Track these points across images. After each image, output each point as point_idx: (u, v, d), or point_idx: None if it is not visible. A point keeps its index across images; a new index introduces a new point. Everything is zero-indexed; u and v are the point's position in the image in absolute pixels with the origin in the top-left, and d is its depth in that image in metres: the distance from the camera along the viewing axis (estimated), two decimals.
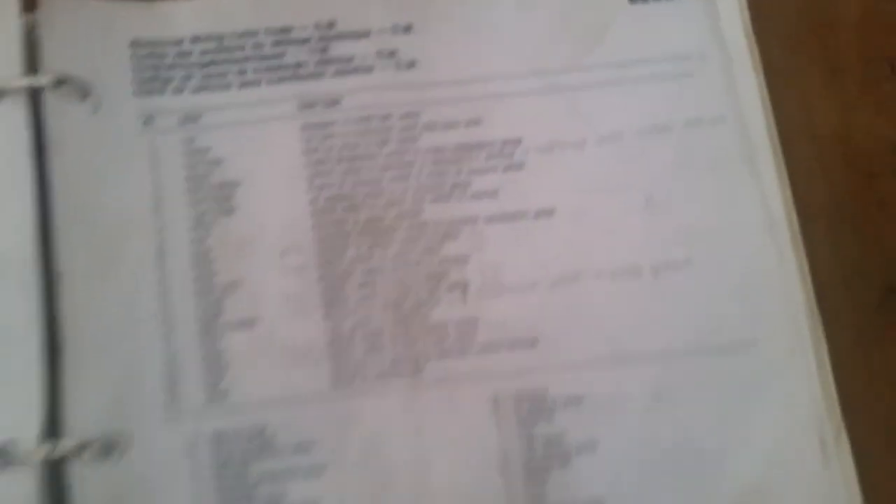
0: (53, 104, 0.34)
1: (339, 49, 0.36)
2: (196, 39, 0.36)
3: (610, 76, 0.36)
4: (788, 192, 0.35)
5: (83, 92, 0.34)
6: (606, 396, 0.33)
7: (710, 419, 0.33)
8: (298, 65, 0.36)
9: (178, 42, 0.36)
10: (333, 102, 0.35)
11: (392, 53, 0.36)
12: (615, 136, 0.36)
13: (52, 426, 0.31)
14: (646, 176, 0.35)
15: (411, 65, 0.36)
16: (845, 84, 0.38)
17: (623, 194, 0.35)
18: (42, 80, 0.33)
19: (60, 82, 0.34)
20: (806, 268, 0.35)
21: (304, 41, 0.36)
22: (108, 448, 0.31)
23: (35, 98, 0.34)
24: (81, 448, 0.31)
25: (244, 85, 0.36)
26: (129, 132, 0.34)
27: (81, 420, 0.31)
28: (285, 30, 0.36)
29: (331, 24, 0.36)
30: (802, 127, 0.37)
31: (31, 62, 0.34)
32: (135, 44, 0.35)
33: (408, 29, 0.36)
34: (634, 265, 0.34)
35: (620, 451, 0.33)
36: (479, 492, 0.32)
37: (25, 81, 0.33)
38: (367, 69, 0.36)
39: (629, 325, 0.34)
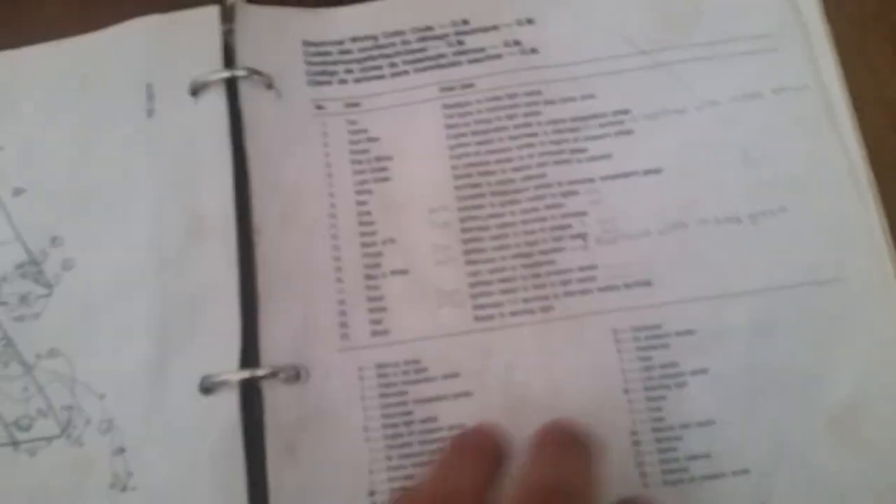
0: (247, 93, 0.33)
1: (473, 41, 0.34)
2: (355, 39, 0.34)
3: (705, 53, 0.33)
4: (863, 149, 0.31)
5: (268, 82, 0.33)
6: (714, 328, 0.30)
7: (807, 345, 0.29)
8: (439, 56, 0.34)
9: (341, 42, 0.34)
10: (469, 85, 0.33)
11: (517, 42, 0.33)
12: (712, 102, 0.32)
13: (249, 358, 0.30)
14: (741, 135, 0.32)
15: (534, 51, 0.33)
16: None
17: (721, 152, 0.32)
18: (238, 72, 0.33)
19: (252, 74, 0.33)
20: (883, 214, 0.31)
21: (443, 36, 0.34)
22: (294, 374, 0.29)
23: (231, 88, 0.33)
24: (273, 374, 0.29)
25: (395, 75, 0.34)
26: (305, 116, 0.33)
27: (272, 352, 0.30)
28: (427, 28, 0.34)
29: (465, 21, 0.34)
30: (873, 94, 0.33)
31: (228, 60, 0.33)
32: (306, 43, 0.34)
33: (530, 21, 0.34)
34: (734, 213, 0.31)
35: (728, 375, 0.29)
36: (605, 411, 0.29)
37: (226, 73, 0.33)
38: (497, 56, 0.34)
39: (732, 266, 0.30)
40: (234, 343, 0.29)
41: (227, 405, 0.29)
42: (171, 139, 0.32)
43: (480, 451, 0.24)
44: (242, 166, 0.31)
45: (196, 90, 0.32)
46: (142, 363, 0.30)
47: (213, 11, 0.33)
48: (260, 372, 0.29)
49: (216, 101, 0.32)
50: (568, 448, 0.24)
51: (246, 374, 0.29)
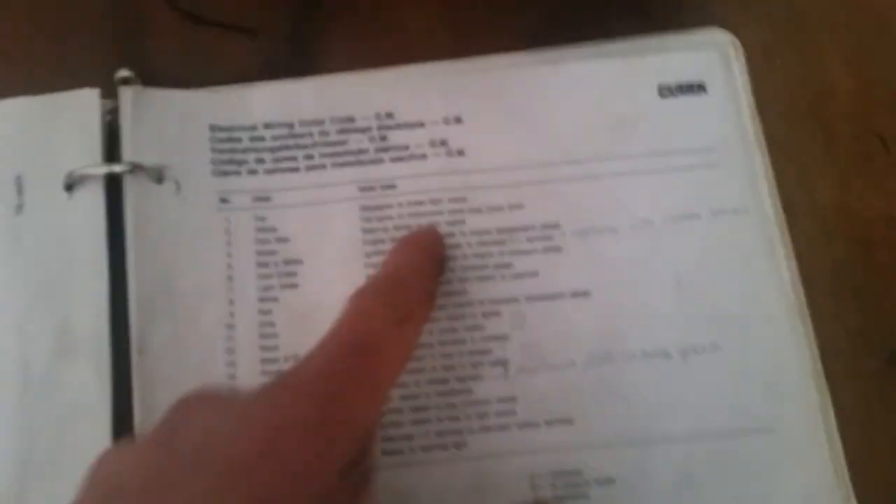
0: (132, 188, 0.29)
1: (397, 138, 0.31)
2: (268, 125, 0.31)
3: (642, 165, 0.31)
4: (794, 262, 0.30)
5: (158, 176, 0.29)
6: (636, 478, 0.27)
7: (734, 502, 0.27)
8: (360, 151, 0.31)
9: (253, 128, 0.31)
10: (390, 186, 0.30)
11: (443, 142, 0.31)
12: (647, 222, 0.30)
13: None
14: (674, 260, 0.30)
15: (460, 153, 0.31)
16: (841, 157, 0.33)
17: (654, 277, 0.30)
18: (118, 167, 0.29)
19: (135, 168, 0.29)
20: (815, 348, 0.29)
21: (366, 130, 0.31)
22: None
23: (113, 183, 0.29)
24: None
25: (310, 168, 0.31)
26: (206, 210, 0.30)
27: None
28: (349, 119, 0.31)
29: (389, 115, 0.31)
30: (804, 199, 0.32)
31: (114, 149, 0.30)
32: (213, 128, 0.31)
33: (458, 120, 0.31)
34: (664, 347, 0.28)
35: None
36: None
37: (103, 168, 0.29)
38: (421, 156, 0.31)
39: (658, 407, 0.28)
40: None
41: None
42: (42, 239, 0.28)
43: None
44: (122, 273, 0.28)
45: (71, 185, 0.29)
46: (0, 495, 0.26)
47: (93, 94, 0.30)
48: None
49: (93, 198, 0.28)
50: (422, 249, 0.28)
51: None
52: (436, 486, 0.27)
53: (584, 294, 0.29)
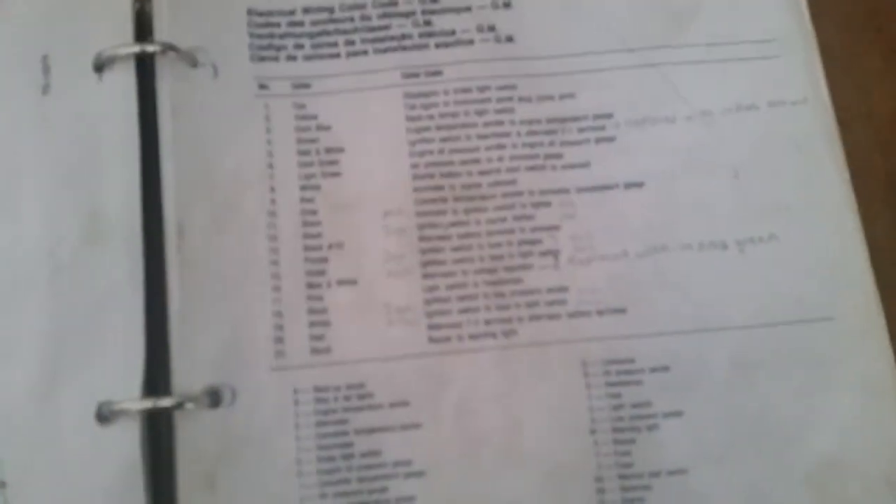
0: (165, 71, 0.28)
1: (442, 23, 0.29)
2: (307, 10, 0.30)
3: (700, 55, 0.29)
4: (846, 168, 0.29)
5: (192, 59, 0.28)
6: (692, 366, 0.26)
7: (789, 391, 0.26)
8: (403, 36, 0.29)
9: (291, 12, 0.30)
10: (435, 73, 0.29)
11: (491, 28, 0.29)
12: (704, 113, 0.29)
13: (157, 380, 0.25)
14: (733, 152, 0.29)
15: (509, 39, 0.29)
16: None
17: (710, 169, 0.28)
18: (150, 47, 0.27)
19: (167, 49, 0.28)
20: (865, 243, 0.28)
21: (409, 14, 0.29)
22: (215, 399, 0.25)
23: (145, 65, 0.28)
24: (180, 404, 0.25)
25: (351, 54, 0.29)
26: (246, 96, 0.28)
27: (188, 372, 0.25)
28: (391, 3, 0.30)
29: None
30: (859, 108, 0.31)
31: (142, 31, 0.28)
32: (251, 12, 0.29)
33: (507, 5, 0.30)
34: (720, 238, 0.27)
35: (704, 420, 0.26)
36: (568, 452, 0.26)
37: (135, 48, 0.27)
38: (468, 42, 0.29)
39: (714, 298, 0.27)
40: (137, 364, 0.25)
41: (127, 437, 0.24)
42: (69, 121, 0.27)
43: None
44: (155, 156, 0.27)
45: (100, 66, 0.27)
46: (28, 385, 0.25)
47: None
48: (166, 402, 0.25)
49: (123, 80, 0.27)
50: None
51: (149, 403, 0.25)
52: (485, 372, 0.26)
53: (638, 185, 0.28)
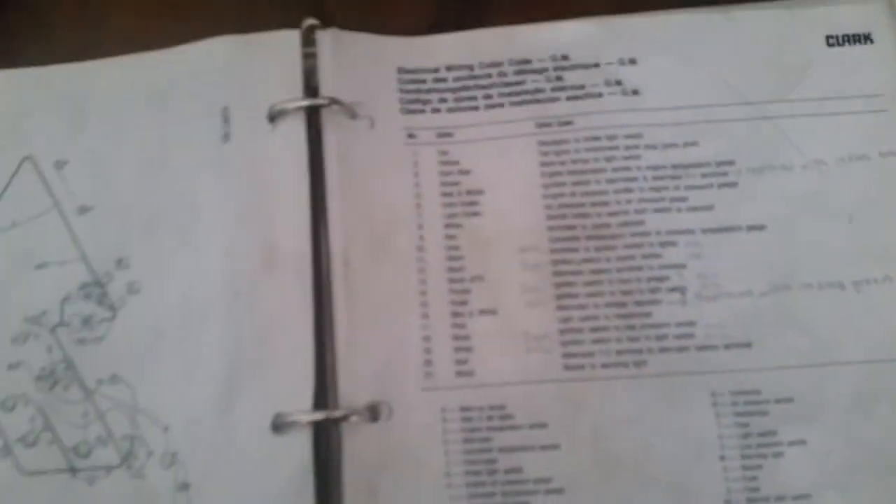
0: (330, 121, 0.31)
1: (572, 78, 0.32)
2: (450, 68, 0.33)
3: (812, 109, 0.32)
4: None
5: (352, 112, 0.31)
6: (814, 398, 0.28)
7: None
8: (537, 90, 0.32)
9: (436, 70, 0.33)
10: (566, 123, 0.32)
11: (619, 82, 0.32)
12: (818, 162, 0.31)
13: (325, 395, 0.28)
14: (847, 198, 0.31)
15: (635, 92, 0.32)
16: None
17: (826, 213, 0.30)
18: (318, 101, 0.31)
19: (332, 103, 0.31)
20: None
21: (542, 70, 0.32)
22: (374, 413, 0.28)
23: (314, 116, 0.31)
24: (346, 416, 0.28)
25: (489, 107, 0.32)
26: (396, 144, 0.32)
27: (352, 389, 0.28)
28: (525, 61, 0.33)
29: (565, 57, 0.33)
30: None
31: (310, 87, 0.32)
32: (401, 70, 0.33)
33: (633, 61, 0.32)
34: (838, 279, 0.29)
35: (827, 448, 0.28)
36: (698, 476, 0.27)
37: (305, 102, 0.31)
38: (597, 95, 0.32)
39: (834, 334, 0.29)
40: (308, 380, 0.28)
41: (299, 446, 0.27)
42: (247, 165, 0.31)
43: None
44: (321, 197, 0.30)
45: (274, 117, 0.31)
46: (210, 396, 0.28)
47: (293, 35, 0.32)
48: (335, 413, 0.27)
49: (294, 129, 0.30)
50: None
51: (319, 415, 0.27)
52: (617, 399, 0.28)
53: (760, 228, 0.30)
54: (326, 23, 0.33)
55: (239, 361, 0.28)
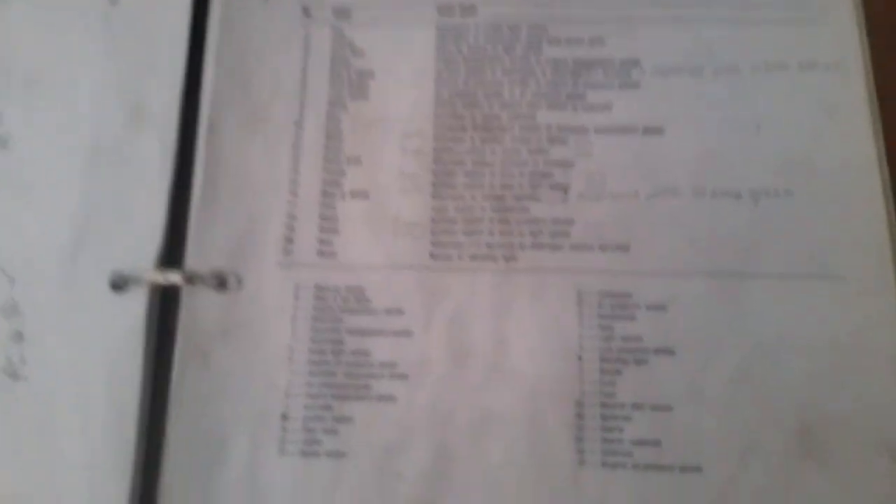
0: None
1: None
2: None
3: (732, 14, 0.29)
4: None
5: None
6: (690, 308, 0.25)
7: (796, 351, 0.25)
8: None
9: None
10: (470, 10, 0.30)
11: None
12: (731, 68, 0.28)
13: (173, 258, 0.27)
14: (757, 107, 0.28)
15: None
16: None
17: (732, 122, 0.28)
18: None
19: None
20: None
21: None
22: (221, 281, 0.26)
23: None
24: (190, 279, 0.26)
25: None
26: (290, 19, 0.30)
27: (201, 254, 0.27)
28: None
29: None
30: None
31: None
32: None
33: None
34: (735, 188, 0.27)
35: (697, 360, 0.25)
36: (552, 375, 0.26)
37: None
38: None
39: (720, 244, 0.26)
40: (155, 240, 0.27)
41: (136, 305, 0.26)
42: (130, 28, 0.30)
43: None
44: (201, 62, 0.29)
45: None
46: (56, 248, 0.27)
47: None
48: (175, 277, 0.26)
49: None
50: None
51: (158, 276, 0.26)
52: (481, 292, 0.26)
53: (658, 131, 0.28)
54: None
55: (89, 216, 0.27)
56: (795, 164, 0.27)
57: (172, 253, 0.27)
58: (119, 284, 0.26)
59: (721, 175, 0.27)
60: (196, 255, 0.27)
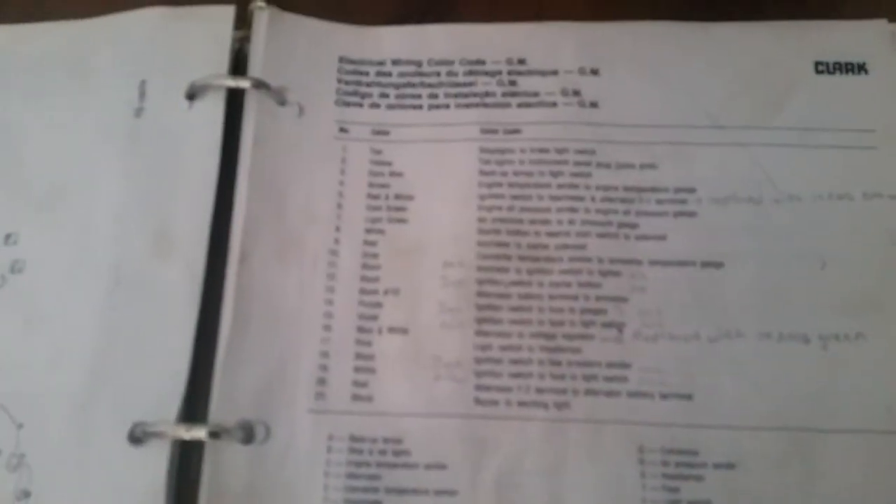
0: (253, 106, 0.28)
1: (527, 84, 0.29)
2: (397, 62, 0.30)
3: (792, 139, 0.28)
4: None
5: (281, 97, 0.28)
6: (761, 467, 0.23)
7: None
8: (487, 94, 0.29)
9: (381, 63, 0.30)
10: (514, 131, 0.28)
11: (576, 92, 0.29)
12: (793, 197, 0.27)
13: (196, 407, 0.25)
14: (822, 241, 0.26)
15: (594, 105, 0.29)
16: None
17: (796, 256, 0.26)
18: (243, 82, 0.28)
19: (259, 86, 0.28)
20: None
21: (495, 73, 0.29)
22: (248, 434, 0.24)
23: (236, 98, 0.28)
24: (215, 434, 0.24)
25: (434, 107, 0.29)
26: (326, 137, 0.29)
27: (227, 403, 0.25)
28: (479, 62, 0.30)
29: (521, 61, 0.30)
30: None
31: (237, 68, 0.29)
32: (343, 60, 0.30)
33: (595, 72, 0.29)
34: (802, 331, 0.25)
35: None
36: None
37: (229, 82, 0.28)
38: (551, 104, 0.29)
39: (792, 395, 0.24)
40: (178, 388, 0.24)
41: (156, 462, 0.24)
42: (156, 144, 0.28)
43: None
44: (229, 188, 0.27)
45: (193, 94, 0.28)
46: (69, 394, 0.25)
47: (227, 10, 0.29)
48: (199, 432, 0.24)
49: (212, 109, 0.28)
50: None
51: (182, 430, 0.24)
52: (532, 444, 0.24)
53: (717, 265, 0.26)
54: (285, 6, 0.30)
55: (106, 358, 0.25)
56: (864, 305, 0.25)
57: (195, 397, 0.25)
58: (139, 438, 0.24)
59: (787, 316, 0.25)
60: (222, 404, 0.24)
